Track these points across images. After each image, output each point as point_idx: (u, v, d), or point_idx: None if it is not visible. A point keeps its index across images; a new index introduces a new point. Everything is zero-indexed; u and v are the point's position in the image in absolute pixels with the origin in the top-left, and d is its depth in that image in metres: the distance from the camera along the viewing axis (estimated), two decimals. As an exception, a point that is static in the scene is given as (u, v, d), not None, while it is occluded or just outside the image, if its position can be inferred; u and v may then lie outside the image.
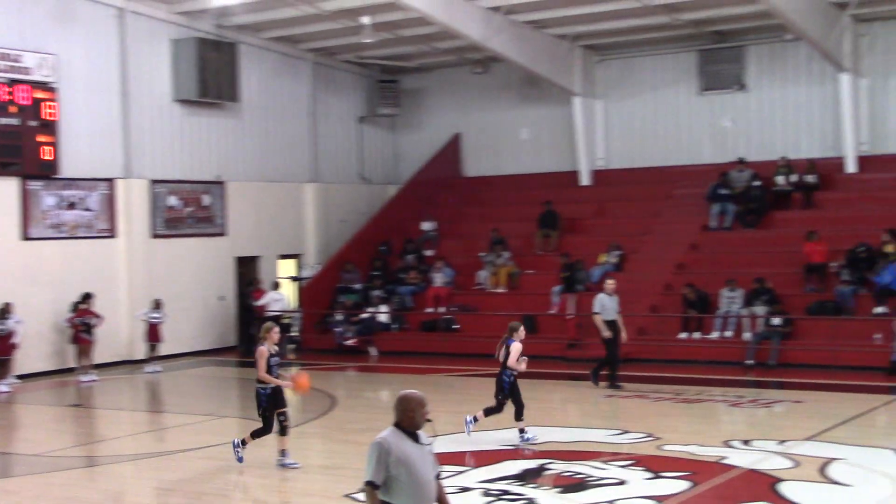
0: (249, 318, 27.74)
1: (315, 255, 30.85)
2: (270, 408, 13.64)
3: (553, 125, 31.41)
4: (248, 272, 28.82)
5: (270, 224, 29.60)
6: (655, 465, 13.30)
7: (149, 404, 21.96)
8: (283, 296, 28.19)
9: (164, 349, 25.14)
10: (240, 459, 13.70)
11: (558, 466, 13.33)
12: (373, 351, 26.55)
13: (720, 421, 17.42)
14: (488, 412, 15.13)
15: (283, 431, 13.68)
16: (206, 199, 27.91)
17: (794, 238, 24.81)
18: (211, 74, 27.06)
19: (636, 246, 27.07)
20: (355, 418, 18.20)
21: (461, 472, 12.99)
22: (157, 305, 24.72)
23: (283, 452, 13.67)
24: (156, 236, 26.63)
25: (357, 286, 28.62)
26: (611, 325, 19.98)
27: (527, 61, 28.23)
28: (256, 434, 13.75)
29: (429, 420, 7.05)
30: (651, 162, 29.95)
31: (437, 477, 7.03)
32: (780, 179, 26.84)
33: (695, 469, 13.18)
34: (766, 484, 12.33)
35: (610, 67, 30.51)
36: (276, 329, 13.81)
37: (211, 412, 19.37)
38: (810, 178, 26.67)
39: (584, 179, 30.44)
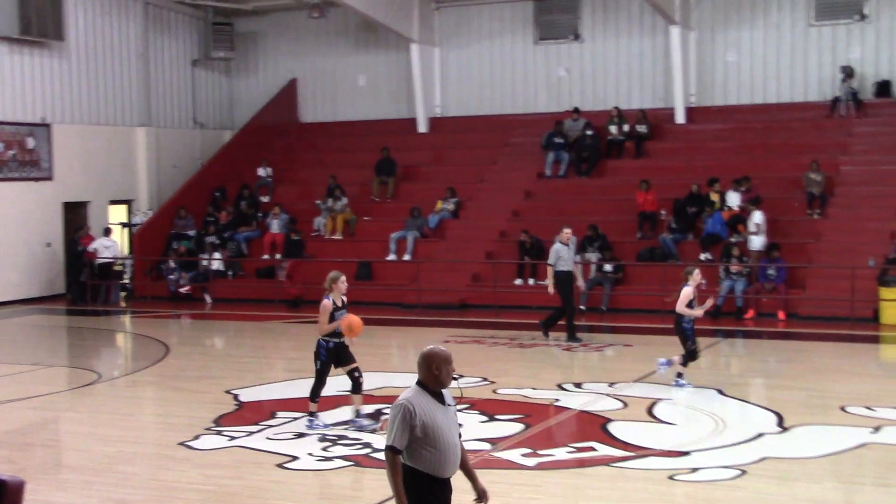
0: (79, 265, 26.94)
1: (147, 201, 30.08)
2: (329, 364, 12.38)
3: (391, 72, 31.30)
4: (76, 218, 27.94)
5: (100, 168, 28.69)
6: (490, 409, 13.51)
7: (-29, 354, 21.11)
8: (114, 242, 27.45)
9: (-13, 297, 24.20)
10: (325, 426, 12.44)
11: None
12: (207, 298, 26.13)
13: (554, 365, 17.76)
14: (685, 360, 14.98)
15: (356, 388, 12.50)
16: (30, 142, 26.84)
17: (626, 186, 25.42)
18: (33, 11, 25.95)
19: (472, 193, 27.30)
20: (189, 366, 17.91)
21: (297, 419, 12.92)
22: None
23: (358, 413, 12.60)
24: (-23, 180, 25.55)
25: (191, 233, 28.08)
26: (567, 274, 19.07)
27: (364, 7, 27.97)
28: (314, 393, 12.49)
29: (455, 378, 6.54)
30: (488, 110, 30.20)
31: (459, 437, 6.57)
32: (613, 129, 27.41)
33: (529, 411, 13.43)
34: (596, 424, 12.67)
35: (448, 15, 30.52)
36: (343, 278, 12.47)
37: (38, 361, 18.75)
38: (641, 128, 27.32)
39: (422, 127, 30.46)
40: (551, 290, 19.19)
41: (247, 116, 32.11)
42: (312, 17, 30.77)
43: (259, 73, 32.96)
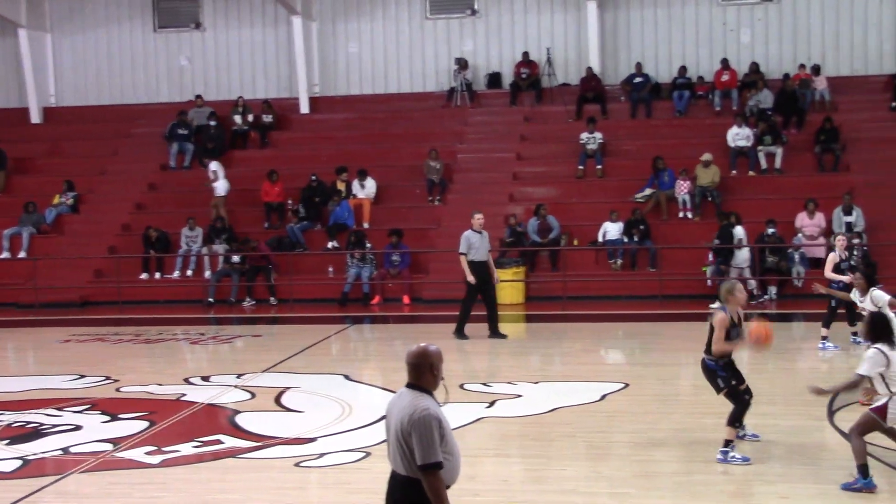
0: None
1: None
2: (735, 381, 10.26)
3: (-6, 59, 29.58)
4: None
5: None
6: (113, 408, 13.03)
7: None
8: None
9: None
10: (745, 459, 10.06)
11: (7, 417, 12.62)
12: None
13: (181, 359, 17.41)
14: (851, 321, 15.45)
15: (744, 409, 10.35)
16: None
17: (251, 176, 25.28)
18: None
19: (93, 186, 26.28)
20: None
21: None
22: None
23: (745, 434, 10.69)
24: None
25: None
26: (481, 266, 17.22)
27: (-34, -12, 26.18)
28: (735, 418, 10.20)
29: (442, 378, 6.02)
30: (107, 100, 29.18)
31: None
32: (238, 118, 27.20)
33: (153, 408, 13.05)
34: (223, 417, 12.52)
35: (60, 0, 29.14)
36: (741, 287, 10.43)
37: None
38: (267, 118, 27.28)
39: (35, 117, 28.96)
40: (471, 278, 17.15)
41: None
42: None
43: None
